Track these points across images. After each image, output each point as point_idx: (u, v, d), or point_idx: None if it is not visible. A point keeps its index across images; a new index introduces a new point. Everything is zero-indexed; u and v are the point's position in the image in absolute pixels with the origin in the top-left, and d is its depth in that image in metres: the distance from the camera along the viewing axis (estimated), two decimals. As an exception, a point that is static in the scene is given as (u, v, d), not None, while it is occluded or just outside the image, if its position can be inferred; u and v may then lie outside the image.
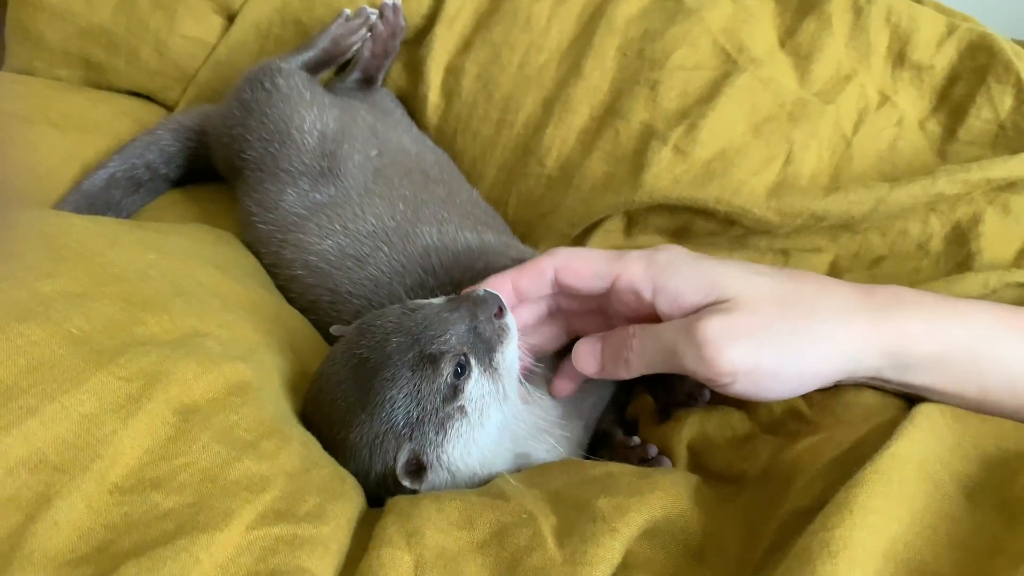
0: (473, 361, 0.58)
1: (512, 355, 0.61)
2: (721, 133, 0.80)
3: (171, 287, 0.61)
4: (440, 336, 0.58)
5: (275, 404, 0.57)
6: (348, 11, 0.93)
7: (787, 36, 0.87)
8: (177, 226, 0.80)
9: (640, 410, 0.70)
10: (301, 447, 0.55)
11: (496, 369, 0.60)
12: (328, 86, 0.98)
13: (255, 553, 0.44)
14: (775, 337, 0.55)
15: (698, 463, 0.62)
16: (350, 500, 0.52)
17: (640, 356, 0.58)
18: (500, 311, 0.60)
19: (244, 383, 0.55)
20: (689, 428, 0.63)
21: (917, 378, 0.59)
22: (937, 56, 0.84)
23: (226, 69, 0.98)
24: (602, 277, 0.60)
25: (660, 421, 0.67)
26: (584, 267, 0.61)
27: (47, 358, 0.47)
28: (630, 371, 0.60)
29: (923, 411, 0.55)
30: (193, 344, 0.55)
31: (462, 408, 0.58)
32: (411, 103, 0.98)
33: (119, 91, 1.01)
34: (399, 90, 1.00)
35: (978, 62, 0.82)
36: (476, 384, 0.58)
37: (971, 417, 0.58)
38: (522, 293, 0.63)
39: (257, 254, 0.81)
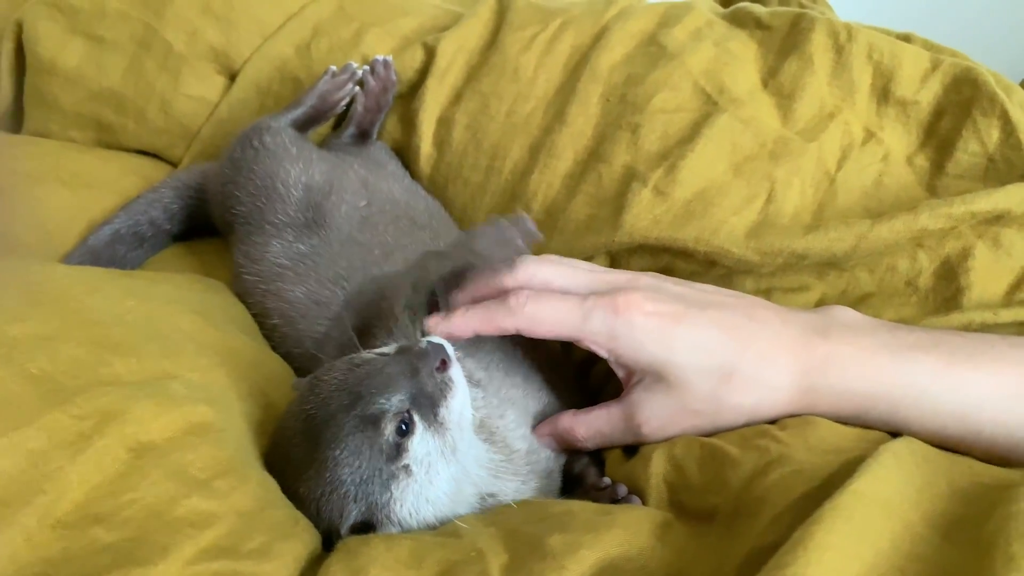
0: (417, 418, 0.57)
1: (459, 407, 0.59)
2: (701, 173, 0.79)
3: (145, 332, 0.62)
4: (380, 395, 0.56)
5: (236, 446, 0.57)
6: (334, 67, 0.96)
7: (769, 76, 0.87)
8: (167, 275, 0.82)
9: (609, 450, 0.69)
10: (258, 488, 0.54)
11: (442, 424, 0.58)
12: (325, 142, 1.00)
13: (191, 588, 0.44)
14: (705, 417, 0.63)
15: (675, 500, 0.61)
16: (300, 540, 0.52)
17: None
18: (443, 363, 0.59)
19: (205, 424, 0.55)
20: (658, 460, 0.62)
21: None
22: (922, 91, 0.83)
23: (228, 126, 1.01)
24: (564, 337, 0.65)
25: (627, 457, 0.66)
26: (548, 329, 0.64)
27: (2, 396, 0.48)
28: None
29: (889, 449, 0.53)
30: (157, 386, 0.56)
31: (407, 467, 0.56)
32: (405, 154, 1.00)
33: (128, 150, 1.05)
34: (394, 142, 1.02)
35: (963, 96, 0.80)
36: (421, 442, 0.57)
37: (940, 457, 0.56)
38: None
39: (245, 305, 0.82)
